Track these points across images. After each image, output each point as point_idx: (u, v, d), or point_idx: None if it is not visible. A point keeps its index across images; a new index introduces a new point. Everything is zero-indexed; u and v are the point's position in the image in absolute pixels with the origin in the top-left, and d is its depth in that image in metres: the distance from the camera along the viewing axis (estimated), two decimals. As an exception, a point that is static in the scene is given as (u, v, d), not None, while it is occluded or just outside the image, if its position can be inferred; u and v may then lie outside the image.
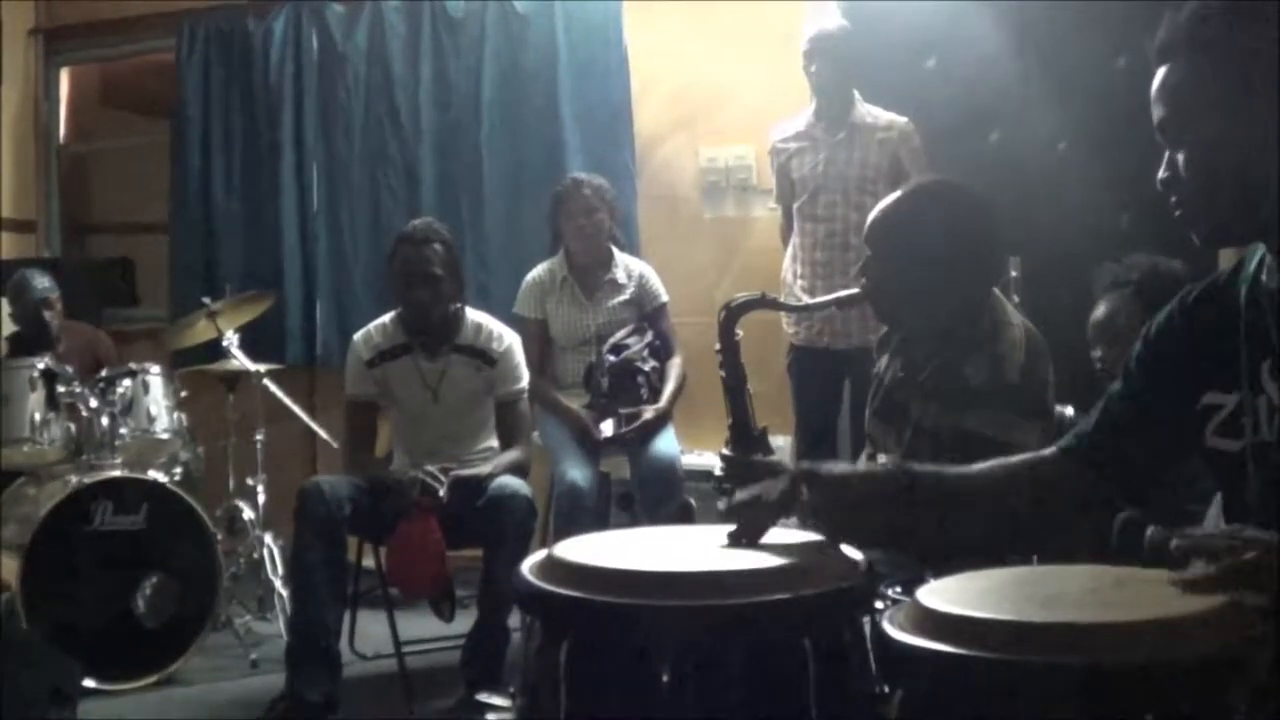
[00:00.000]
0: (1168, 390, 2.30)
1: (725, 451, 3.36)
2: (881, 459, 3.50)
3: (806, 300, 5.82)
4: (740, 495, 2.48)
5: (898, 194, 3.45)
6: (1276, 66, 2.06)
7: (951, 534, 2.41)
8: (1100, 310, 4.42)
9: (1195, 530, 1.99)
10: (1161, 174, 2.22)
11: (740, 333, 3.44)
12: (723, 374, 3.40)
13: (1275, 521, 1.96)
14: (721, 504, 3.20)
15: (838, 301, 3.72)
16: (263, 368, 6.42)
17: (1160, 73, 2.23)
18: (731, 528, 2.36)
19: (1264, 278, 2.18)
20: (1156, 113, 2.23)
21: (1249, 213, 2.15)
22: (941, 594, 1.99)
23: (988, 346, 3.22)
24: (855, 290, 3.49)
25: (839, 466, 2.56)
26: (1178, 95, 2.18)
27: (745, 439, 3.34)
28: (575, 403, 6.01)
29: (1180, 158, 2.18)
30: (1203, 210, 2.19)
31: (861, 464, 3.60)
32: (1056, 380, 3.36)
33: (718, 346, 3.41)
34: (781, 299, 5.83)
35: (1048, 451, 2.45)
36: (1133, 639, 1.78)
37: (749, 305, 3.50)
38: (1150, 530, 2.19)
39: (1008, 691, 1.79)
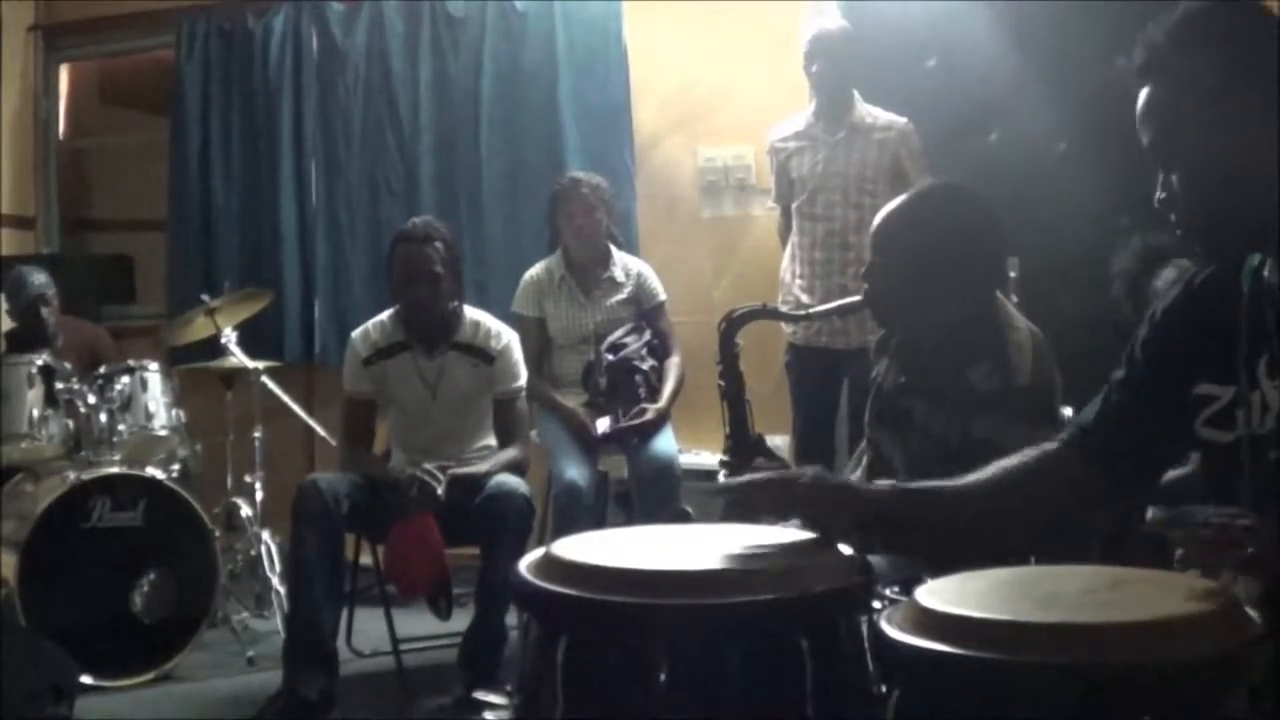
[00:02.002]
0: (1166, 376, 2.32)
1: (725, 458, 3.36)
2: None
3: (804, 299, 5.85)
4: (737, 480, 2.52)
5: (904, 198, 3.43)
6: (1252, 77, 2.09)
7: (951, 543, 2.42)
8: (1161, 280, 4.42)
9: (1194, 511, 2.00)
10: (1158, 195, 2.24)
11: (741, 343, 3.43)
12: (721, 383, 3.40)
13: (1268, 514, 1.97)
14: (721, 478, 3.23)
15: (841, 309, 3.70)
16: (261, 365, 6.41)
17: (1142, 95, 2.25)
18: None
19: (1266, 274, 2.19)
20: (1144, 136, 2.24)
21: (1246, 224, 2.16)
22: (939, 594, 1.99)
23: (994, 351, 3.21)
24: (857, 298, 3.47)
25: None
26: (1162, 115, 2.21)
27: (743, 449, 3.34)
28: (573, 401, 6.01)
29: (1174, 178, 2.19)
30: (1201, 226, 2.21)
31: (859, 469, 3.61)
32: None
33: (718, 357, 3.41)
34: (780, 298, 5.88)
35: (1050, 446, 2.45)
36: (1130, 639, 1.78)
37: (750, 316, 3.49)
38: (1151, 510, 2.21)
39: (1005, 692, 1.79)
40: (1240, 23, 2.16)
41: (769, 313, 3.85)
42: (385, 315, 5.61)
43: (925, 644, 1.87)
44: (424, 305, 5.43)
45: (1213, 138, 2.13)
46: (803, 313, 5.04)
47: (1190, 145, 2.16)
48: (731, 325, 3.42)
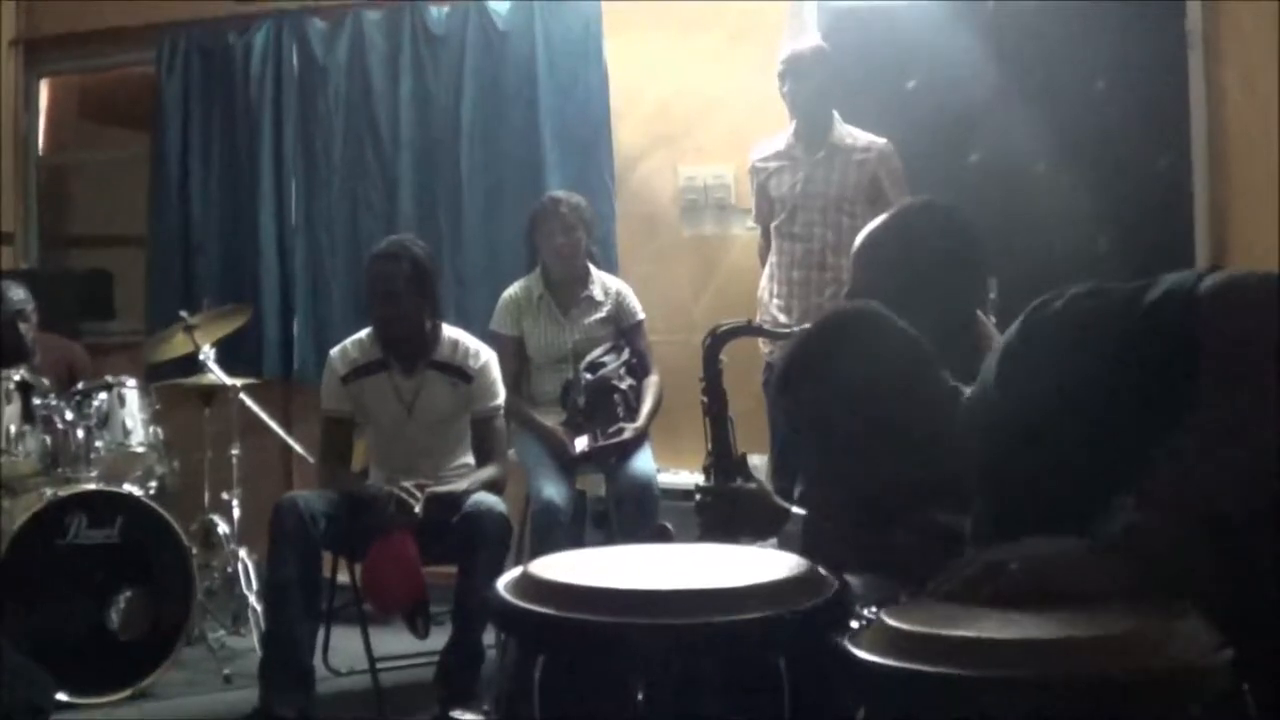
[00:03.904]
0: None
1: (702, 483, 3.36)
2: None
3: (782, 318, 5.86)
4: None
5: (885, 215, 3.42)
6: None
7: None
8: None
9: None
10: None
11: (724, 359, 3.43)
12: (704, 400, 3.39)
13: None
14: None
15: None
16: (239, 382, 6.41)
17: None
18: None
19: None
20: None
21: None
22: (904, 612, 2.00)
23: (974, 370, 3.21)
24: None
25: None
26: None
27: (726, 467, 3.34)
28: (551, 420, 6.00)
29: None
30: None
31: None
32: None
33: (701, 374, 3.40)
34: (758, 317, 5.88)
35: None
36: (1096, 654, 1.79)
37: (735, 332, 3.48)
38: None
39: (971, 707, 1.80)
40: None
41: (754, 330, 3.85)
42: (364, 333, 5.62)
43: (889, 662, 1.88)
44: (387, 323, 5.45)
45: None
46: (787, 330, 5.04)
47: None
48: (716, 342, 3.42)
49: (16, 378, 5.82)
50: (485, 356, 5.60)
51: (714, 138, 7.06)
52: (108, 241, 9.13)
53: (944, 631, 1.88)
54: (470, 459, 5.63)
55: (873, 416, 2.53)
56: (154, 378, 6.71)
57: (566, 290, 6.18)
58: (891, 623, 1.95)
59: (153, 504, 5.70)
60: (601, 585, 2.15)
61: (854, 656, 1.93)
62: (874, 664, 1.90)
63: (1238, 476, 2.11)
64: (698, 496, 3.32)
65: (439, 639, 5.28)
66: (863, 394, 2.53)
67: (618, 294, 6.24)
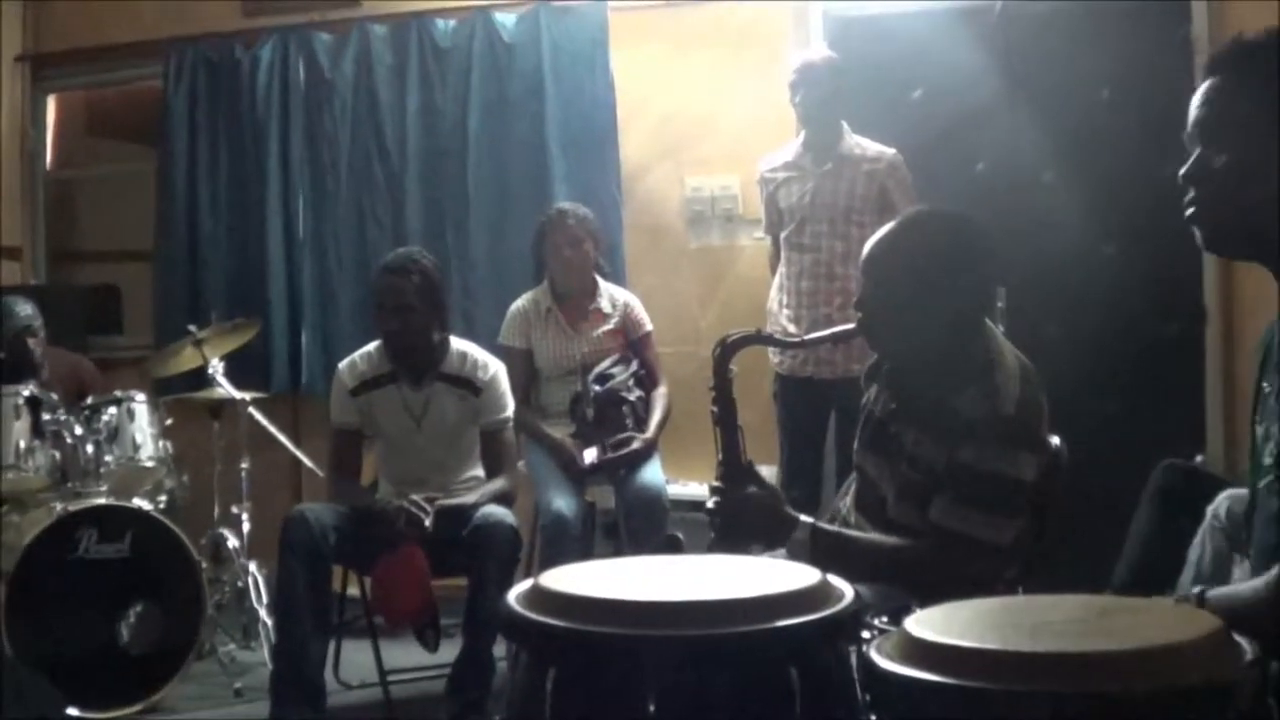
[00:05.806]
0: None
1: (715, 484, 3.37)
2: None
3: (791, 328, 5.84)
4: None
5: (893, 223, 3.43)
6: None
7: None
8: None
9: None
10: (1184, 169, 2.45)
11: (734, 368, 3.44)
12: (714, 409, 3.40)
13: None
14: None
15: (834, 337, 3.70)
16: (248, 396, 6.41)
17: (1207, 82, 2.47)
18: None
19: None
20: (1194, 115, 2.47)
21: (1254, 228, 2.39)
22: (928, 623, 1.99)
23: (982, 378, 3.21)
24: (850, 326, 3.47)
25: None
26: (1216, 104, 2.43)
27: (736, 474, 3.35)
28: (561, 432, 6.00)
29: (1209, 156, 2.41)
30: (1213, 212, 2.44)
31: (849, 497, 3.62)
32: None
33: (711, 383, 3.41)
34: (767, 327, 5.87)
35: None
36: (1118, 668, 1.78)
37: (745, 341, 3.49)
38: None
39: (994, 720, 1.80)
40: None
41: (763, 339, 3.86)
42: (372, 346, 5.62)
43: (914, 673, 1.87)
44: (396, 336, 5.45)
45: (1247, 138, 2.36)
46: (797, 339, 5.02)
47: (1228, 137, 2.39)
48: (726, 350, 3.43)
49: (25, 393, 5.82)
50: (494, 369, 5.59)
51: (720, 148, 7.06)
52: (115, 256, 9.14)
53: (971, 643, 1.88)
54: (479, 471, 5.62)
55: None
56: (162, 392, 6.74)
57: (574, 302, 6.19)
58: (917, 633, 1.95)
59: (162, 518, 5.70)
60: (612, 597, 2.14)
61: (878, 667, 1.93)
62: (900, 675, 1.89)
63: None
64: (710, 500, 3.33)
65: (449, 652, 5.27)
66: None
67: (625, 305, 6.25)
